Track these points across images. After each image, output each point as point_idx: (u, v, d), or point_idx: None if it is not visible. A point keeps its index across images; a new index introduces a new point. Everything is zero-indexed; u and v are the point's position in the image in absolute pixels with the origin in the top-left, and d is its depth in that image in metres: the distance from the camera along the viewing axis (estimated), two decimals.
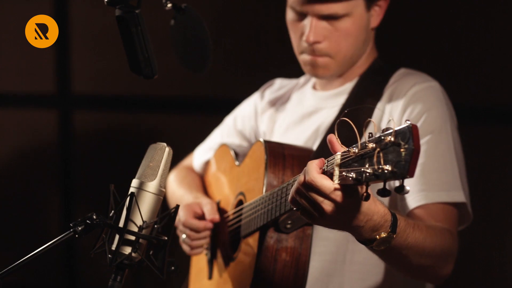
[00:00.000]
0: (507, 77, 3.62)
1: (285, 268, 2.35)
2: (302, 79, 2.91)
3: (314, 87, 2.79)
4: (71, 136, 4.96)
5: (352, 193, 1.83)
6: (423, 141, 2.44)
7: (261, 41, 4.15)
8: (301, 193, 1.88)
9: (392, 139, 1.63)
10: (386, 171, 1.62)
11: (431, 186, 2.41)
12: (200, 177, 3.04)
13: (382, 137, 1.65)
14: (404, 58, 2.82)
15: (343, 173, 1.74)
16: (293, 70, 2.92)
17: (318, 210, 1.86)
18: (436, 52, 3.65)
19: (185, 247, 2.76)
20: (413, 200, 2.42)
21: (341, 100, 2.65)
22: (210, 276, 2.76)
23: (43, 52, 4.62)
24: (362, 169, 1.67)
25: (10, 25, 4.31)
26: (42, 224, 5.04)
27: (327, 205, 1.84)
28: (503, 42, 3.58)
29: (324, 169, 1.85)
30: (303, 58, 2.63)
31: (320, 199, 1.84)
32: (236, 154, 2.83)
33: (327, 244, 2.51)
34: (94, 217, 1.91)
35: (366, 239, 1.95)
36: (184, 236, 2.72)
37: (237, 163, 2.75)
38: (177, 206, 1.96)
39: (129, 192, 1.92)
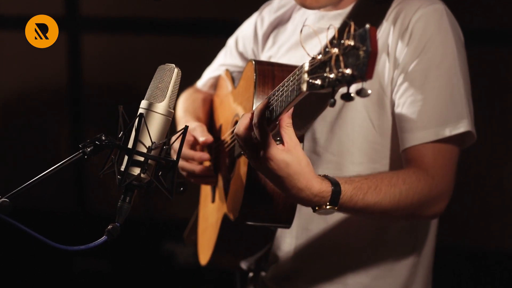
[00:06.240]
0: None
1: None
2: None
3: None
4: (80, 59, 4.95)
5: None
6: (423, 71, 2.40)
7: None
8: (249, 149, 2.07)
9: (351, 42, 1.65)
10: (346, 74, 1.65)
11: (424, 123, 2.37)
12: (205, 97, 3.02)
13: (342, 41, 1.68)
14: None
15: (311, 80, 1.77)
16: None
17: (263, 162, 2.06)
18: None
19: (194, 179, 2.76)
20: (403, 140, 2.42)
21: None
22: (213, 200, 2.78)
23: None
24: (325, 75, 1.71)
25: None
26: (51, 146, 5.07)
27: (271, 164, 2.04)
28: None
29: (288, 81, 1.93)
30: None
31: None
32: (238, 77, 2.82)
33: (330, 168, 2.50)
34: (103, 138, 1.90)
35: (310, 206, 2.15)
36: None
37: (235, 85, 2.75)
38: (186, 127, 1.96)
39: (138, 113, 1.92)
